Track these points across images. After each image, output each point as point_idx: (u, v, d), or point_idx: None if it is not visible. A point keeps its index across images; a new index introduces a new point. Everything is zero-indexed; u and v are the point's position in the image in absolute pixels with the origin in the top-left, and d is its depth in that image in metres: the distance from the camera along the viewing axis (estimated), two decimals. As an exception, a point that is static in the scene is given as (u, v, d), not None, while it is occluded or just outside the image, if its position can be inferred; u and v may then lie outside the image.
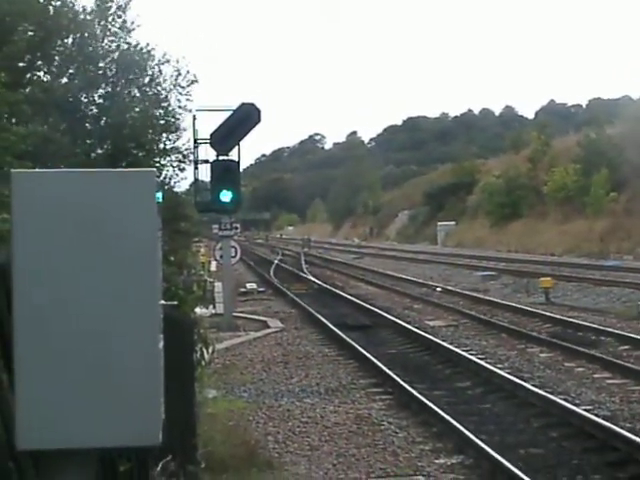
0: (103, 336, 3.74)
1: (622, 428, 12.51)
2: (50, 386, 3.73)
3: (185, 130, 25.46)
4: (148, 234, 3.81)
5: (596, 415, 13.50)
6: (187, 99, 24.27)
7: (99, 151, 22.99)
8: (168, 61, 23.59)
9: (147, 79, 23.65)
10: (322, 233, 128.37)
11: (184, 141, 25.87)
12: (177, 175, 25.19)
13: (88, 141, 22.96)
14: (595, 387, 16.32)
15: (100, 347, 3.74)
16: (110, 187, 3.81)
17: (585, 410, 13.82)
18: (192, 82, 24.17)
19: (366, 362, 19.26)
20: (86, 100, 23.27)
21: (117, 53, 22.88)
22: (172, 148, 24.52)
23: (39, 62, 22.26)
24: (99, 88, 23.26)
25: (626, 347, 20.37)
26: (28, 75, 21.95)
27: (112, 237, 3.77)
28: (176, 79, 23.97)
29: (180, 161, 24.70)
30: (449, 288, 37.06)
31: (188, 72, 24.08)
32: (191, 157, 25.77)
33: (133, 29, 23.03)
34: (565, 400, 14.70)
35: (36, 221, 3.78)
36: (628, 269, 41.34)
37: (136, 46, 23.02)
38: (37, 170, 3.95)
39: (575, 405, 14.32)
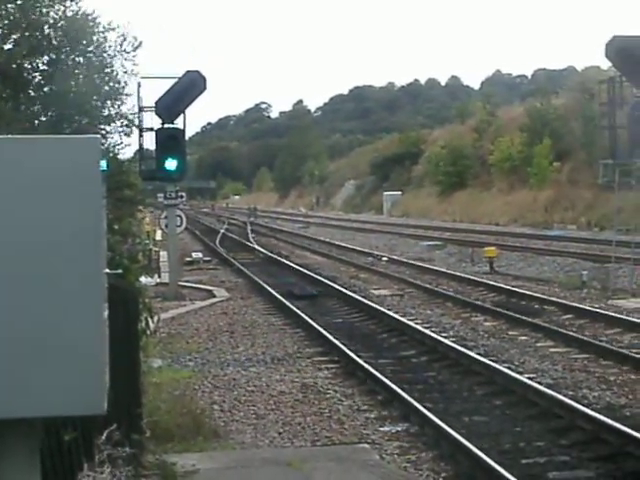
0: (47, 304, 3.71)
1: (565, 396, 12.67)
2: (-8, 355, 3.69)
3: (130, 96, 25.18)
4: (92, 202, 3.77)
5: (539, 383, 13.66)
6: (133, 64, 23.99)
7: (43, 118, 22.71)
8: (113, 29, 23.30)
9: (92, 47, 23.34)
10: (268, 202, 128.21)
11: (129, 107, 25.62)
12: (122, 142, 24.93)
13: (32, 108, 22.67)
14: (538, 355, 16.50)
15: (44, 315, 3.71)
16: (53, 154, 3.76)
17: (528, 378, 13.97)
18: (137, 47, 23.89)
19: (312, 331, 19.32)
20: (30, 67, 22.95)
21: (62, 20, 22.55)
22: (117, 114, 24.26)
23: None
24: (43, 55, 22.93)
25: (569, 316, 20.60)
26: (-30, 41, 21.61)
27: (55, 205, 3.72)
28: (121, 44, 23.68)
29: (125, 125, 24.46)
30: (395, 257, 37.22)
31: (134, 38, 23.80)
32: (136, 123, 25.52)
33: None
34: (509, 368, 14.86)
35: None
36: (571, 239, 41.77)
37: (82, 13, 22.70)
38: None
39: (518, 373, 14.47)
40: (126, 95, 24.35)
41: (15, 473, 3.80)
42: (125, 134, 24.29)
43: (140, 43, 23.76)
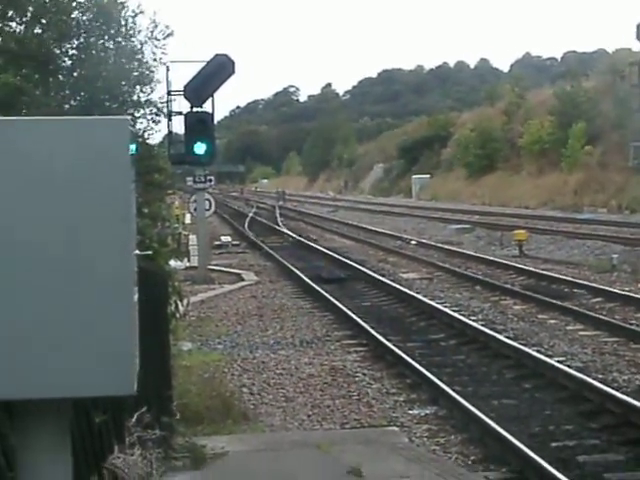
0: (79, 287, 3.73)
1: (594, 379, 12.63)
2: (23, 335, 3.72)
3: (159, 82, 25.23)
4: (122, 184, 3.78)
5: (569, 366, 13.63)
6: (162, 52, 24.06)
7: (73, 103, 22.80)
8: (142, 12, 23.35)
9: (121, 31, 23.39)
10: (297, 186, 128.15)
11: (158, 93, 25.72)
12: (151, 127, 25.01)
13: (61, 93, 22.75)
14: (568, 339, 16.44)
15: (74, 297, 3.73)
16: (82, 135, 3.77)
17: (558, 361, 13.94)
18: (168, 35, 23.95)
19: (341, 314, 19.33)
20: (59, 52, 23.03)
21: (91, 4, 22.62)
22: (146, 100, 24.33)
23: (11, 12, 21.98)
24: (73, 39, 23.01)
25: (599, 299, 20.51)
26: (0, 25, 21.70)
27: (85, 187, 3.73)
28: (152, 32, 23.74)
29: (155, 113, 24.54)
30: (423, 241, 37.16)
31: (166, 27, 23.86)
32: (165, 109, 25.57)
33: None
34: (538, 351, 14.82)
35: (3, 171, 3.73)
36: (602, 222, 41.55)
37: (110, -4, 22.75)
38: (4, 118, 3.90)
39: (548, 356, 14.44)
40: (156, 82, 24.42)
41: (46, 454, 3.83)
42: (154, 120, 24.37)
43: (171, 32, 23.83)
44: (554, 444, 10.29)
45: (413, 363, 13.99)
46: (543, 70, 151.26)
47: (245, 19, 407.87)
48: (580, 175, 57.86)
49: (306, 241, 38.73)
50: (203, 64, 26.08)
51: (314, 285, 23.54)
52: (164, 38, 23.72)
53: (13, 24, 22.34)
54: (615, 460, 9.69)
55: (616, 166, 53.90)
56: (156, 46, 23.78)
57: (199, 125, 25.85)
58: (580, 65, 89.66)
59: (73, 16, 22.60)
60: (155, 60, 24.04)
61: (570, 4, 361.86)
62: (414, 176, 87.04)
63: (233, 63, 26.01)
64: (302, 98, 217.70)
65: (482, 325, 17.37)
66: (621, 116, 54.77)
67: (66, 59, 23.29)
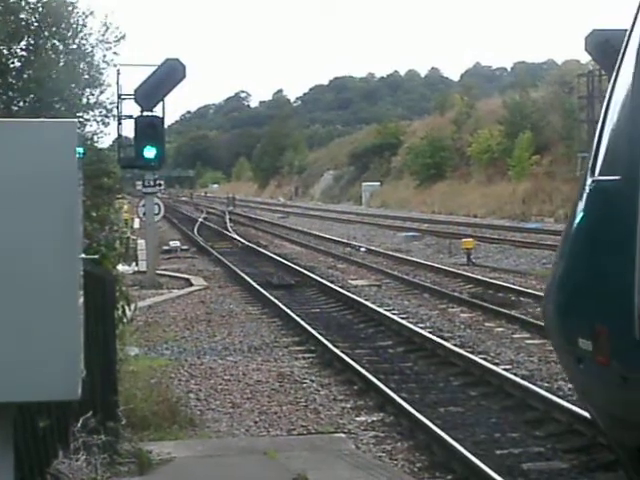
0: (22, 290, 3.69)
1: (540, 387, 12.72)
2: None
3: (109, 85, 25.14)
4: (68, 187, 3.75)
5: (515, 374, 13.71)
6: (114, 53, 23.95)
7: (21, 104, 22.63)
8: (92, 13, 23.24)
9: (70, 32, 23.25)
10: (247, 192, 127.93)
11: (108, 96, 25.59)
12: (100, 131, 24.90)
13: (10, 94, 22.58)
14: (514, 347, 16.54)
15: (19, 301, 3.69)
16: (29, 138, 3.74)
17: (504, 369, 14.02)
18: (120, 38, 23.86)
19: (289, 320, 19.32)
20: (8, 52, 22.86)
21: (40, 4, 22.47)
22: (95, 102, 24.23)
23: (-41, 13, 21.78)
24: (22, 40, 22.84)
25: (545, 308, 20.62)
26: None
27: (31, 189, 3.70)
28: (103, 34, 23.62)
29: (104, 115, 24.44)
30: (373, 248, 37.23)
31: (117, 28, 23.76)
32: (115, 112, 25.49)
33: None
34: (485, 359, 14.90)
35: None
36: (549, 231, 41.87)
37: (59, -3, 22.63)
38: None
39: (494, 364, 14.52)
40: (106, 85, 24.32)
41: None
42: (103, 123, 24.28)
43: (123, 35, 23.73)
44: (499, 452, 10.35)
45: (361, 370, 14.01)
46: (493, 80, 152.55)
47: (197, 24, 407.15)
48: (528, 185, 58.32)
49: (256, 247, 38.68)
50: (154, 68, 26.02)
51: (263, 291, 23.50)
52: (116, 41, 23.63)
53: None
54: (560, 468, 9.76)
55: (563, 176, 54.35)
56: (107, 49, 23.68)
57: (149, 129, 25.76)
58: (529, 75, 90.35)
59: (22, 16, 22.44)
60: (106, 63, 23.93)
61: (520, 15, 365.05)
62: (364, 183, 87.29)
63: (184, 67, 25.98)
64: (253, 104, 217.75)
65: (430, 332, 17.43)
66: (569, 127, 55.27)
67: (15, 60, 23.11)
